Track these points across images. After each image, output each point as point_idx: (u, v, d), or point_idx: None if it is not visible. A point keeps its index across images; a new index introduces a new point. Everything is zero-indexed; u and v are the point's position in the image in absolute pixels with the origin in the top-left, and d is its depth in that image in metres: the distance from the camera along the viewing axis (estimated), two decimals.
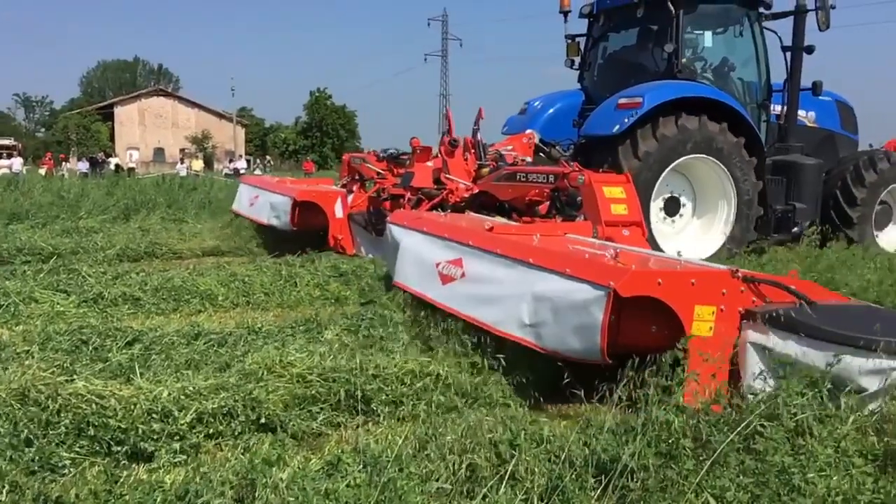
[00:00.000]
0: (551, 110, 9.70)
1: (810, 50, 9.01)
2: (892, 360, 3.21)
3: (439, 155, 8.19)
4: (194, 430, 3.38)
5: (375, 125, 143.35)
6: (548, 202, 6.94)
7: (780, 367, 3.40)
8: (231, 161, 45.97)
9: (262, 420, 3.48)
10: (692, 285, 3.61)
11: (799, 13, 8.93)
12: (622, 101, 7.77)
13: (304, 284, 6.88)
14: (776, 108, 9.24)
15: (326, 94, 79.72)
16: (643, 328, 3.91)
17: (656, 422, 3.03)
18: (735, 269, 3.77)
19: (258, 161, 55.14)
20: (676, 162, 7.75)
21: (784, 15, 9.11)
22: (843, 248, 7.93)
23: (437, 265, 5.07)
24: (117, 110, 66.45)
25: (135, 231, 10.52)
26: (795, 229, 8.75)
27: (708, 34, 8.93)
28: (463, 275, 4.80)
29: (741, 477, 2.61)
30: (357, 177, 9.76)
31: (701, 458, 2.75)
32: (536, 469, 2.80)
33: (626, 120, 7.56)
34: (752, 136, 8.21)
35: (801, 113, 9.36)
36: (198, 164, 45.79)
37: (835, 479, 2.67)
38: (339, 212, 8.83)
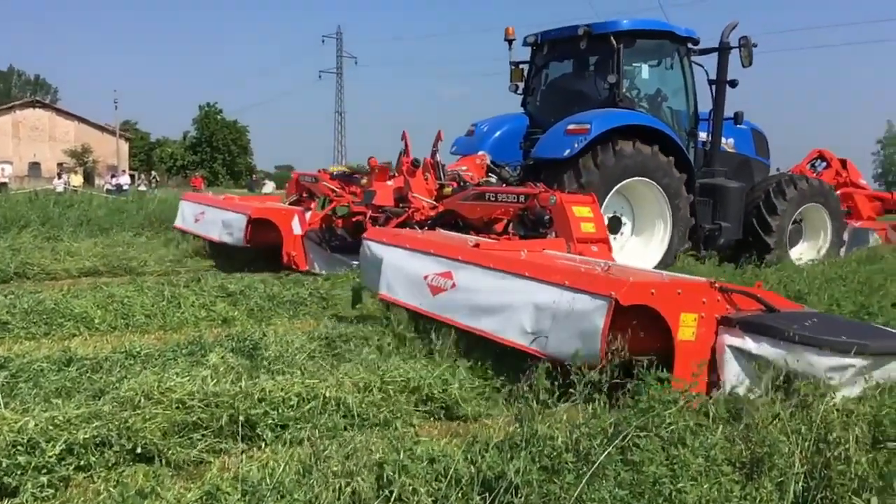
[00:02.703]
0: (498, 133, 10.21)
1: (734, 83, 9.82)
2: (850, 359, 3.74)
3: (398, 174, 8.70)
4: (63, 462, 3.18)
5: (269, 141, 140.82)
6: (504, 221, 7.49)
7: (756, 365, 3.84)
8: (113, 176, 43.84)
9: (139, 450, 3.31)
10: (678, 295, 4.02)
11: (723, 50, 9.70)
12: (571, 126, 8.33)
13: (188, 305, 6.63)
14: (702, 136, 10.00)
15: (217, 108, 77.82)
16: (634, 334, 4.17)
17: (540, 437, 3.10)
18: (713, 281, 4.20)
19: (143, 176, 52.97)
20: (621, 184, 8.36)
21: (710, 51, 9.88)
22: (715, 265, 8.39)
23: (426, 278, 5.33)
24: None
25: (4, 250, 9.84)
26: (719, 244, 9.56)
27: (645, 66, 9.70)
28: (454, 286, 5.09)
29: (618, 489, 2.70)
30: (305, 195, 10.25)
31: (581, 472, 2.83)
32: (422, 489, 2.79)
33: (575, 145, 8.14)
34: (685, 162, 8.98)
35: (722, 140, 10.11)
36: (77, 180, 43.58)
37: (705, 487, 2.80)
38: (297, 228, 9.06)
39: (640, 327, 4.05)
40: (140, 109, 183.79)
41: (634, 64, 9.56)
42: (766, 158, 11.40)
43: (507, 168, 9.54)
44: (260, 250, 9.48)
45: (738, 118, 10.10)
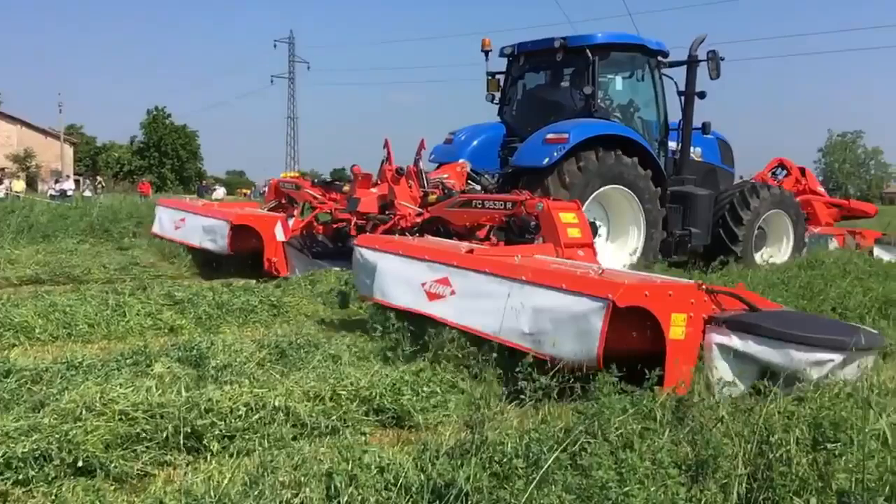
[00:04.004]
0: (476, 141, 10.44)
1: (702, 95, 10.22)
2: (829, 353, 4.05)
3: (381, 182, 8.85)
4: (1, 477, 3.10)
5: (220, 147, 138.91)
6: (487, 227, 7.75)
7: (741, 361, 4.07)
8: (57, 182, 42.75)
9: (80, 463, 3.21)
10: (669, 296, 4.23)
11: (691, 63, 10.06)
12: (550, 136, 8.63)
13: (133, 314, 6.45)
14: (672, 145, 10.34)
15: (165, 112, 76.50)
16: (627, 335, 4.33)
17: (490, 443, 3.11)
18: (700, 283, 4.43)
19: (88, 182, 51.73)
20: (598, 191, 8.66)
21: (679, 64, 10.22)
22: (664, 269, 8.54)
23: (424, 284, 5.46)
24: None
25: None
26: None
27: (618, 78, 10.06)
28: (453, 292, 5.24)
29: (566, 494, 2.71)
30: (284, 200, 10.37)
31: (531, 477, 2.84)
32: (371, 499, 2.77)
33: (554, 153, 8.44)
34: (657, 170, 9.32)
35: (690, 149, 10.44)
36: (19, 185, 42.27)
37: (652, 490, 2.83)
38: (280, 235, 9.09)
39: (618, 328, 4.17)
40: (86, 113, 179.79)
41: (608, 76, 9.90)
42: (730, 167, 11.90)
43: (486, 176, 9.77)
44: (208, 256, 9.43)
45: (705, 128, 10.45)
